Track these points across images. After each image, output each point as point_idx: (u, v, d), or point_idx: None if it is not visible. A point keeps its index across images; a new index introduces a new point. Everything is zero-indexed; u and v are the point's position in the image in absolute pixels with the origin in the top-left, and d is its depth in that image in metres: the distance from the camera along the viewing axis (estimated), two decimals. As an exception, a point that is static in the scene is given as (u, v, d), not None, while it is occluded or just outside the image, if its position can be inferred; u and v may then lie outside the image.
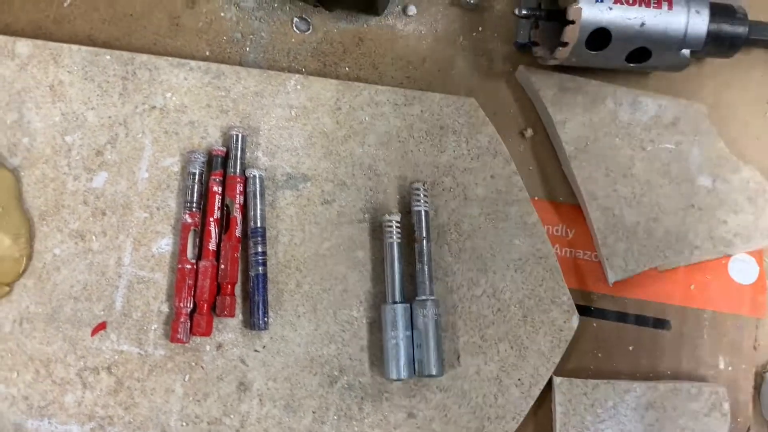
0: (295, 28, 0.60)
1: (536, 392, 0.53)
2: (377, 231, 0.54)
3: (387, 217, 0.52)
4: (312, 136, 0.56)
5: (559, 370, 0.54)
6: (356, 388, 0.53)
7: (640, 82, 0.58)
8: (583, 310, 0.56)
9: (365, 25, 0.60)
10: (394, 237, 0.51)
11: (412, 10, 0.61)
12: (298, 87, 0.56)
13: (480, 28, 0.60)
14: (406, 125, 0.56)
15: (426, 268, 0.51)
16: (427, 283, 0.51)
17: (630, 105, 0.56)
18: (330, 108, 0.56)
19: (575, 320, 0.53)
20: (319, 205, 0.55)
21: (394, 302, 0.51)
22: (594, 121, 0.55)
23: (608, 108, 0.56)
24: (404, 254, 0.53)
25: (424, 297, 0.51)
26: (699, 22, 0.53)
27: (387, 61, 0.60)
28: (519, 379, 0.53)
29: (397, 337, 0.50)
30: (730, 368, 0.55)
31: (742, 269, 0.56)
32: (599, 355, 0.55)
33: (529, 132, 0.59)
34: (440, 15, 0.61)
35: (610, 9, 0.51)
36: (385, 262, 0.52)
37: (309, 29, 0.60)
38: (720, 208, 0.54)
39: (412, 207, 0.53)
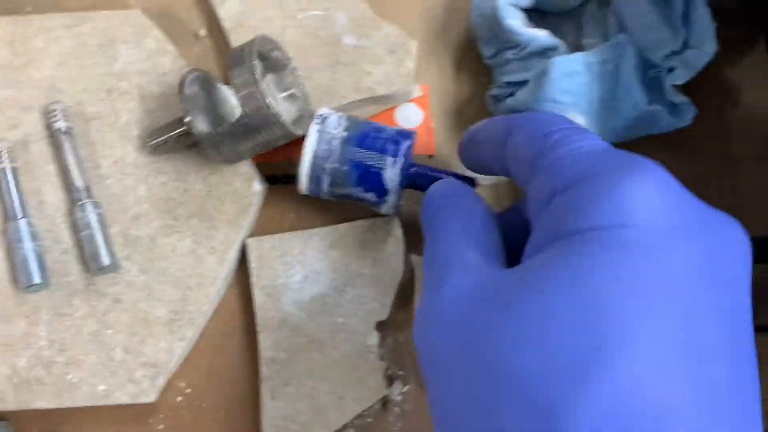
0: (-26, -21, 0.64)
1: (230, 255, 0.57)
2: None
3: None
4: (-8, 70, 0.59)
5: (257, 234, 0.58)
6: (63, 286, 0.56)
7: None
8: (273, 180, 0.60)
9: (41, -34, 0.64)
10: (6, 163, 0.55)
11: (81, -56, 0.64)
12: (-27, 29, 0.60)
13: (147, -50, 0.65)
14: (80, 44, 0.60)
15: (78, 177, 0.56)
16: (82, 188, 0.55)
17: (282, -19, 0.61)
18: (6, 41, 0.60)
19: (256, 185, 0.58)
20: (6, 131, 0.58)
21: (17, 219, 0.55)
22: (249, -2, 0.61)
23: (263, -16, 0.61)
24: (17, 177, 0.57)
25: (81, 201, 0.55)
26: None
27: (65, -5, 0.64)
28: (212, 247, 0.57)
29: (24, 248, 0.54)
30: (410, 201, 0.60)
31: (407, 116, 0.61)
32: (293, 215, 0.60)
33: (202, 32, 0.63)
34: (109, -56, 0.65)
35: None
36: (2, 186, 0.57)
37: (-12, -21, 0.64)
38: (363, 62, 0.59)
39: (52, 127, 0.57)
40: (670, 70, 0.52)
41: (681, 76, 0.51)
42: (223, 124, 0.53)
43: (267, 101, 0.50)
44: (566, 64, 0.52)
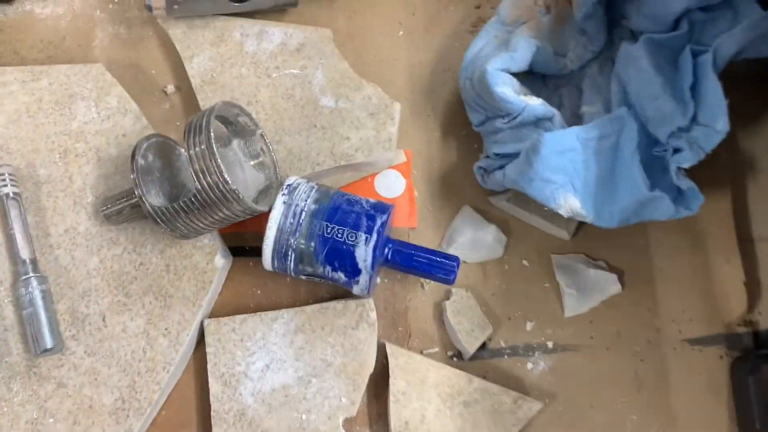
0: (-67, 29, 0.60)
1: (184, 338, 0.51)
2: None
3: None
4: (-60, 126, 0.55)
5: (218, 313, 0.53)
6: (3, 368, 0.51)
7: (276, 18, 0.60)
8: (238, 251, 0.55)
9: (2, 15, 0.60)
10: None
11: (46, -8, 0.60)
12: (-76, 81, 0.55)
13: (116, 0, 0.61)
14: (35, 99, 0.56)
15: (23, 248, 0.51)
16: (28, 261, 0.50)
17: (257, 35, 0.57)
18: (-42, 96, 0.55)
19: (218, 260, 0.53)
20: (-48, 193, 0.53)
21: None
22: (221, 54, 0.56)
23: (235, 40, 0.57)
24: None
25: (26, 276, 0.50)
26: (287, -49, 0.54)
27: (28, 45, 0.60)
28: (166, 329, 0.52)
29: None
30: (386, 280, 0.55)
31: (388, 184, 0.56)
32: (258, 292, 0.54)
33: (170, 88, 0.59)
34: (76, -8, 0.61)
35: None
36: None
37: (-54, 27, 0.60)
38: (342, 125, 0.54)
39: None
40: (676, 150, 0.46)
41: (688, 158, 0.45)
42: (182, 196, 0.48)
43: (224, 176, 0.45)
44: (559, 141, 0.47)
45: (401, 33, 0.60)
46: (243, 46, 0.56)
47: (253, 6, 0.55)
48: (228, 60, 0.56)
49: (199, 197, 0.46)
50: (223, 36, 0.57)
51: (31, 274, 0.51)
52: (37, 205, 0.54)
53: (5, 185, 0.52)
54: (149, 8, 0.58)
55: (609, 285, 0.54)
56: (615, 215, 0.48)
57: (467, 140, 0.58)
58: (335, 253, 0.48)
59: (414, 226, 0.56)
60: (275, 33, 0.57)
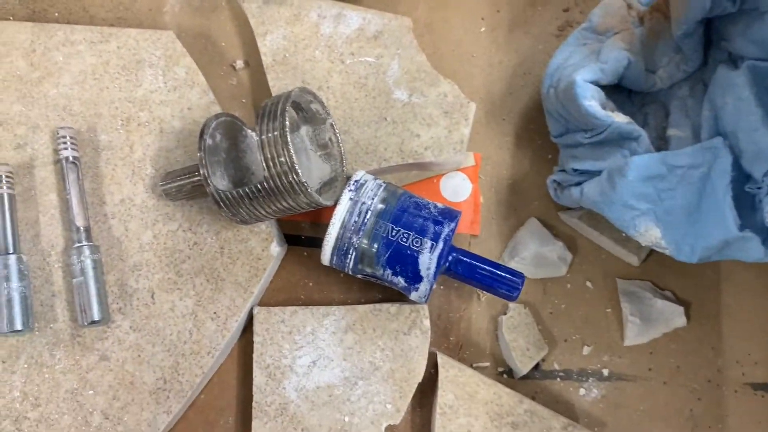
0: (3, -23, 0.58)
1: (232, 324, 0.50)
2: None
3: None
4: (5, 80, 0.54)
5: (268, 301, 0.52)
6: (48, 334, 0.50)
7: (356, 1, 0.57)
8: (293, 240, 0.53)
9: (75, -31, 0.58)
10: (5, 188, 0.49)
11: (121, -51, 0.58)
12: (-9, 32, 0.54)
13: (191, -36, 0.59)
14: (102, 62, 0.54)
15: (78, 215, 0.49)
16: (82, 229, 0.49)
17: (334, 18, 0.54)
18: (24, 51, 0.54)
19: (274, 248, 0.51)
20: (11, 150, 0.52)
21: (7, 253, 0.48)
22: (295, 33, 0.54)
23: (311, 20, 0.54)
24: (14, 206, 0.51)
25: (78, 243, 0.48)
26: (376, -67, 0.51)
27: (97, 4, 0.58)
28: (215, 312, 0.50)
29: (10, 288, 0.47)
30: (441, 287, 0.53)
31: (454, 186, 0.54)
32: (310, 284, 0.53)
33: (239, 64, 0.57)
34: (151, -47, 0.59)
35: None
36: None
37: (17, -23, 0.58)
38: (413, 121, 0.52)
39: (59, 154, 0.50)
40: (772, 190, 0.43)
41: (785, 201, 0.42)
42: (245, 180, 0.46)
43: (295, 167, 0.43)
44: (647, 166, 0.44)
45: (483, 29, 0.57)
46: (319, 27, 0.54)
47: (335, -13, 0.53)
48: (302, 41, 0.54)
49: (266, 185, 0.45)
50: (299, 15, 0.55)
51: (84, 243, 0.50)
52: (95, 171, 0.52)
53: (66, 148, 0.51)
54: (225, -23, 0.56)
55: (674, 317, 0.52)
56: (697, 251, 0.45)
57: (541, 150, 0.55)
58: (398, 257, 0.46)
59: (476, 233, 0.54)
60: (353, 17, 0.55)
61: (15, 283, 0.49)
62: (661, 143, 0.52)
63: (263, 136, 0.44)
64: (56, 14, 0.58)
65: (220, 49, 0.57)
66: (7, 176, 0.51)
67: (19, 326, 0.48)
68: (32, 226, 0.52)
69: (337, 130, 0.51)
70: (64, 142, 0.51)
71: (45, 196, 0.52)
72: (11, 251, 0.50)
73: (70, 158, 0.51)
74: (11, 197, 0.51)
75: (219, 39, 0.57)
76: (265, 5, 0.55)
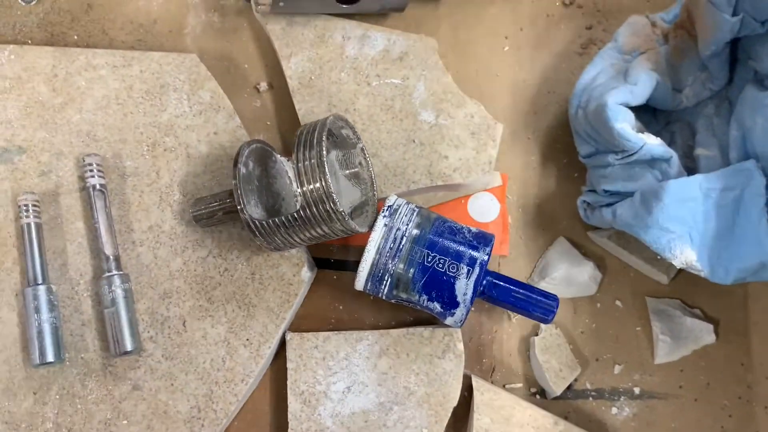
0: (20, 0, 0.57)
1: (266, 351, 0.50)
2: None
3: (21, 197, 0.49)
4: (28, 106, 0.53)
5: (298, 325, 0.51)
6: (79, 364, 0.50)
7: (379, 21, 0.57)
8: (322, 263, 0.53)
9: (93, -9, 0.58)
10: (32, 217, 0.49)
11: (140, -29, 0.58)
12: (12, 57, 0.54)
13: (210, -16, 0.58)
14: (125, 87, 0.54)
15: (107, 243, 0.49)
16: (111, 258, 0.48)
17: (359, 39, 0.54)
18: (46, 76, 0.54)
19: (305, 273, 0.51)
20: (36, 177, 0.52)
21: (36, 284, 0.48)
22: (320, 55, 0.54)
23: (336, 42, 0.54)
24: (42, 235, 0.50)
25: (109, 273, 0.48)
26: (403, -45, 0.51)
27: (117, 26, 0.57)
28: (248, 339, 0.50)
29: (41, 320, 0.47)
30: (473, 309, 0.53)
31: (481, 207, 0.54)
32: (340, 307, 0.53)
33: (263, 86, 0.56)
34: (170, -26, 0.58)
35: (303, -53, 0.49)
36: (24, 243, 0.49)
37: (34, 0, 0.58)
38: (441, 143, 0.52)
39: (85, 182, 0.50)
40: (807, 212, 0.44)
41: (819, 223, 0.43)
42: (277, 206, 0.46)
43: (333, 196, 0.43)
44: (682, 189, 0.44)
45: (507, 48, 0.57)
46: (344, 49, 0.54)
47: (359, 8, 0.53)
48: (327, 63, 0.54)
49: (303, 213, 0.44)
50: (324, 36, 0.54)
51: (114, 272, 0.49)
52: (122, 198, 0.52)
53: (92, 176, 0.51)
54: (247, -2, 0.55)
55: (704, 334, 0.52)
56: (731, 273, 0.45)
57: (568, 168, 0.55)
58: (434, 283, 0.46)
59: (506, 254, 0.54)
60: (378, 38, 0.54)
61: (45, 315, 0.48)
62: (688, 161, 0.52)
63: (300, 164, 0.44)
64: (75, 37, 0.57)
65: (243, 71, 0.56)
66: (33, 205, 0.50)
67: (51, 358, 0.48)
68: (60, 254, 0.51)
69: (367, 155, 0.50)
70: (91, 170, 0.51)
71: (72, 224, 0.52)
72: (40, 282, 0.49)
73: (97, 186, 0.51)
74: (38, 226, 0.50)
75: (241, 61, 0.56)
76: (288, 27, 0.54)
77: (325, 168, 0.43)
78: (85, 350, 0.50)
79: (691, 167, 0.52)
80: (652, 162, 0.48)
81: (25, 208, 0.50)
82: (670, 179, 0.47)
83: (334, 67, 0.54)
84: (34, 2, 0.58)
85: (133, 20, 0.57)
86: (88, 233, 0.51)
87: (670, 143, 0.53)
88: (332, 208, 0.44)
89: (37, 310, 0.48)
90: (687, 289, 0.54)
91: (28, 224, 0.50)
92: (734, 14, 0.46)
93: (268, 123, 0.56)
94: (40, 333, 0.48)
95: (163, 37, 0.57)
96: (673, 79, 0.53)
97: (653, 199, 0.45)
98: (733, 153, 0.49)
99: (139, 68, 0.54)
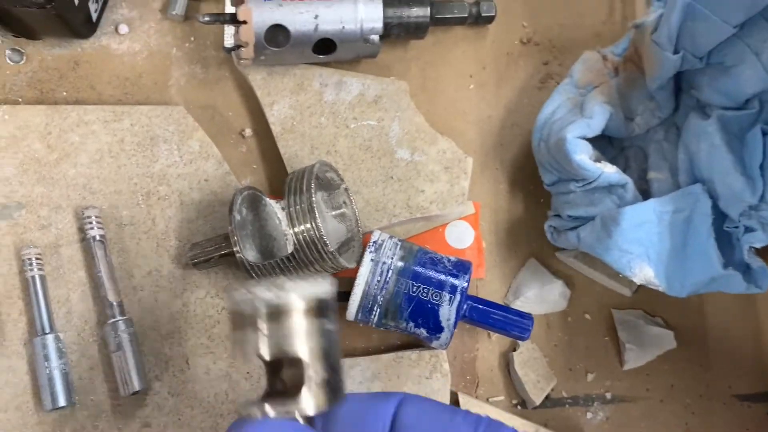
0: (8, 60, 0.60)
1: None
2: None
3: (25, 251, 0.52)
4: (24, 163, 0.56)
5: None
6: (89, 406, 0.52)
7: (352, 66, 0.61)
8: (313, 296, 0.57)
9: (79, 49, 0.61)
10: (35, 270, 0.52)
11: (123, 29, 0.61)
12: (6, 117, 0.56)
13: (192, 38, 0.62)
14: (117, 140, 0.57)
15: (111, 291, 0.52)
16: (115, 304, 0.52)
17: (335, 86, 0.58)
18: (40, 133, 0.56)
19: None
20: (36, 231, 0.55)
21: (44, 333, 0.51)
22: (301, 102, 0.57)
23: (314, 89, 0.58)
24: (46, 286, 0.54)
25: (113, 319, 0.51)
26: (373, 11, 0.55)
27: (104, 81, 0.60)
28: (248, 372, 0.53)
29: (50, 367, 0.50)
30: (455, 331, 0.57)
31: (458, 234, 0.58)
32: (332, 336, 0.56)
33: (247, 132, 0.60)
34: (153, 30, 0.62)
35: (281, 5, 0.53)
36: (30, 295, 0.53)
37: (22, 59, 0.60)
38: (417, 178, 0.56)
39: (85, 233, 0.53)
40: (748, 229, 0.49)
41: (760, 239, 0.48)
42: (270, 247, 0.50)
43: (324, 238, 0.47)
44: (638, 214, 0.50)
45: (472, 86, 0.62)
46: (322, 95, 0.58)
47: (335, 57, 0.57)
48: (308, 108, 0.58)
49: (296, 256, 0.48)
50: (302, 84, 0.58)
51: (118, 318, 0.52)
52: (121, 246, 0.55)
53: (92, 228, 0.54)
54: (227, 50, 0.59)
55: (666, 341, 0.57)
56: (686, 287, 0.51)
57: (534, 194, 0.60)
58: (420, 311, 0.50)
59: (483, 276, 0.58)
60: (353, 84, 0.59)
61: (54, 362, 0.51)
62: (642, 183, 0.58)
63: (291, 209, 0.48)
64: (64, 93, 0.60)
65: (228, 119, 0.60)
66: (37, 258, 0.53)
67: (62, 403, 0.51)
68: (64, 303, 0.54)
69: (350, 194, 0.55)
70: (90, 222, 0.54)
71: (74, 274, 0.55)
72: (48, 331, 0.52)
73: (97, 237, 0.54)
74: (43, 278, 0.53)
75: (225, 109, 0.60)
76: (269, 77, 0.58)
77: (315, 213, 0.47)
78: (93, 392, 0.53)
79: (645, 189, 0.57)
80: (610, 188, 0.53)
81: (28, 261, 0.53)
82: (627, 203, 0.53)
83: (314, 112, 0.58)
84: (22, 62, 0.61)
85: (119, 75, 0.61)
86: (90, 281, 0.54)
87: (626, 168, 0.59)
88: (323, 249, 0.48)
89: (47, 358, 0.51)
90: (648, 301, 0.59)
91: (33, 277, 0.53)
92: (675, 52, 0.51)
93: (255, 167, 0.59)
94: (50, 379, 0.51)
95: (149, 89, 0.61)
96: (625, 109, 0.58)
97: (612, 224, 0.50)
98: (682, 176, 0.55)
99: (129, 122, 0.58)
